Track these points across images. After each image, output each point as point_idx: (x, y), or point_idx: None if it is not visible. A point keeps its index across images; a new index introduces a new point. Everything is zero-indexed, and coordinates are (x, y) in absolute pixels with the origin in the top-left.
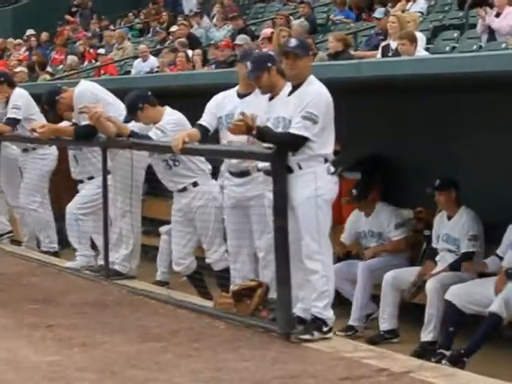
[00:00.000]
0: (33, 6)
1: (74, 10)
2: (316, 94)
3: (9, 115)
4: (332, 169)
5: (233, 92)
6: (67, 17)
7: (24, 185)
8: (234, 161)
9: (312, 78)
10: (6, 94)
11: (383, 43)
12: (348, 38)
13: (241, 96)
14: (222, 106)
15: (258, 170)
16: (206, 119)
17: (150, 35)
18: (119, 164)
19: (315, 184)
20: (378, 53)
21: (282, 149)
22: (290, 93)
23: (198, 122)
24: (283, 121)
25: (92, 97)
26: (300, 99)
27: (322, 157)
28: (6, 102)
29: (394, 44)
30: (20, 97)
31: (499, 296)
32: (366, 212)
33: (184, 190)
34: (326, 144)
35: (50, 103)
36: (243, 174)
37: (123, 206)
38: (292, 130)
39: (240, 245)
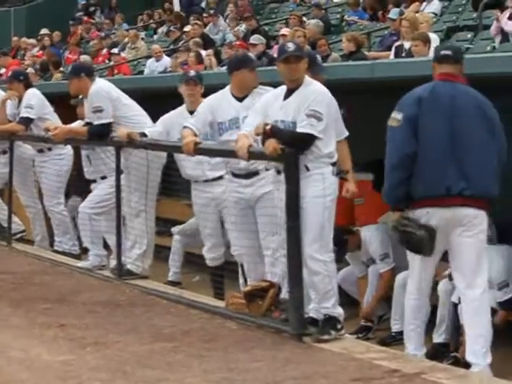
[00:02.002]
0: (47, 6)
1: (91, 9)
2: (318, 92)
3: (22, 114)
4: (336, 170)
5: (227, 96)
6: (82, 16)
7: (45, 187)
8: (243, 163)
9: (308, 78)
10: (19, 93)
11: (396, 43)
12: (360, 37)
13: (239, 100)
14: (221, 111)
15: (267, 169)
16: (197, 125)
17: (163, 35)
18: (134, 164)
19: (323, 184)
20: (391, 53)
21: (292, 148)
22: (286, 97)
23: (188, 126)
24: (282, 124)
25: (107, 96)
26: (302, 100)
27: (328, 157)
28: (19, 102)
29: (407, 44)
30: (33, 96)
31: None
32: None
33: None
34: (329, 142)
35: None
36: (252, 174)
37: (137, 205)
38: (299, 130)
39: (253, 245)
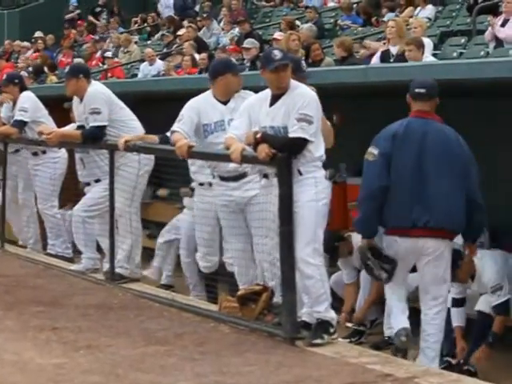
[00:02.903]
0: (40, 9)
1: (97, 10)
2: (306, 95)
3: (16, 117)
4: (328, 174)
5: (210, 99)
6: (90, 18)
7: (40, 190)
8: (231, 165)
9: (294, 82)
10: (14, 96)
11: (382, 49)
12: (348, 42)
13: (223, 103)
14: (206, 113)
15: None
16: (185, 128)
17: (157, 39)
18: (125, 166)
19: (316, 188)
20: (376, 58)
21: (284, 153)
22: (272, 103)
23: (177, 130)
24: (272, 130)
25: (105, 99)
26: (290, 104)
27: (320, 160)
28: (14, 104)
29: (393, 49)
30: (27, 99)
31: (484, 295)
32: None
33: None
34: (319, 145)
35: None
36: (240, 176)
37: (122, 206)
38: (291, 134)
39: (244, 249)
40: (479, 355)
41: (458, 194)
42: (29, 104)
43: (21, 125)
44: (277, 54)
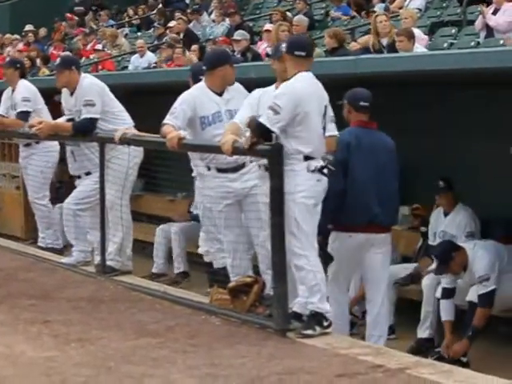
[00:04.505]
0: (31, 2)
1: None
2: (286, 86)
3: (21, 109)
4: (313, 166)
5: (205, 91)
6: (68, 15)
7: (32, 180)
8: (229, 157)
9: (300, 74)
10: (14, 81)
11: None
12: (341, 33)
13: (218, 94)
14: (202, 106)
15: (251, 161)
16: (177, 122)
17: (149, 30)
18: (115, 158)
19: (294, 181)
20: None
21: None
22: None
23: (168, 123)
24: None
25: (100, 91)
26: (278, 91)
27: (301, 154)
28: (13, 91)
29: (383, 41)
30: (28, 89)
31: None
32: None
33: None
34: (303, 141)
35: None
36: (239, 167)
37: (113, 198)
38: (259, 119)
39: (237, 241)
40: (458, 348)
41: (397, 193)
42: (30, 94)
43: (27, 116)
44: (281, 46)
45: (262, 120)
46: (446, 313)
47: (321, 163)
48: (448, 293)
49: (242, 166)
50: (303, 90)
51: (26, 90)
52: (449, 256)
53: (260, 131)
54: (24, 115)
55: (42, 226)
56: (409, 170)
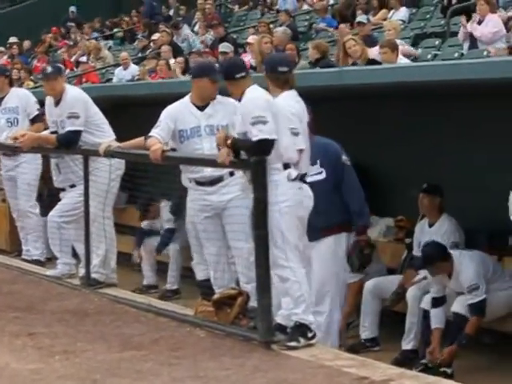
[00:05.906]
0: (16, 14)
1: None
2: (250, 99)
3: (37, 113)
4: (293, 175)
5: (187, 105)
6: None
7: (23, 188)
8: (208, 170)
9: (252, 87)
10: (4, 89)
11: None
12: (323, 45)
13: (200, 108)
14: (183, 119)
15: (231, 174)
16: (162, 134)
17: (132, 43)
18: (97, 170)
19: (276, 191)
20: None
21: (257, 156)
22: None
23: (153, 135)
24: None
25: (84, 104)
26: (241, 110)
27: (280, 163)
28: (1, 99)
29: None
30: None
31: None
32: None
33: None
34: (277, 147)
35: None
36: (217, 180)
37: (96, 211)
38: (254, 138)
39: (219, 253)
40: (447, 355)
41: None
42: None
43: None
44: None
45: (262, 136)
46: (437, 320)
47: (301, 171)
48: (438, 302)
49: (219, 179)
50: (264, 95)
51: (18, 98)
52: (436, 255)
53: (264, 148)
54: (39, 119)
55: (32, 237)
56: (392, 181)
